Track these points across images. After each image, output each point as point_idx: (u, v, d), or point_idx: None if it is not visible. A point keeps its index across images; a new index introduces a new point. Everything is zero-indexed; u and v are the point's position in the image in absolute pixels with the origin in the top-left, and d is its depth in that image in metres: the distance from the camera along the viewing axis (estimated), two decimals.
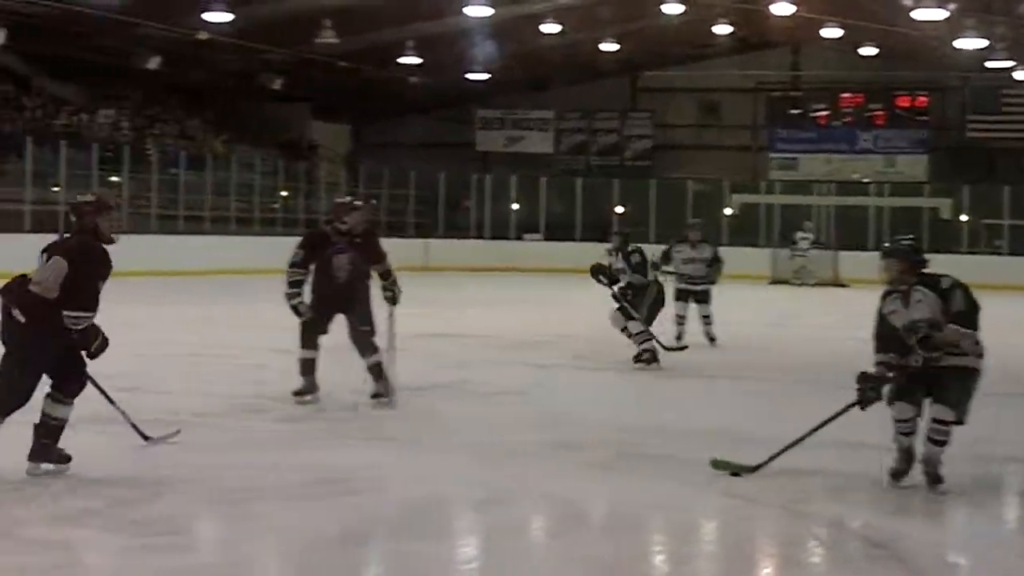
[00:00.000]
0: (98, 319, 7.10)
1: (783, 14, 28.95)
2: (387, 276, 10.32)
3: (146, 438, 8.02)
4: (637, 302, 13.28)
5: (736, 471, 7.53)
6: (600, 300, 13.33)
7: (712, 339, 15.27)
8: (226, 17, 27.36)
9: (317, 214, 30.30)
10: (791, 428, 7.84)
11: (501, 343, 15.56)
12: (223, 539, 6.46)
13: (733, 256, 15.18)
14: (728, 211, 35.97)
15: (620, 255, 13.90)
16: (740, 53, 38.32)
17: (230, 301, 20.98)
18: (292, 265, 10.19)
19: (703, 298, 15.32)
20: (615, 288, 13.39)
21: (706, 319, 15.35)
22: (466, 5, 28.11)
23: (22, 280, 7.10)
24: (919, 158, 38.24)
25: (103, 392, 7.82)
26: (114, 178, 30.34)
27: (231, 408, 9.88)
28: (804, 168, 39.20)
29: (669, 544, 6.52)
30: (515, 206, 39.14)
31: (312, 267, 10.16)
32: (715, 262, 15.37)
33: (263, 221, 33.52)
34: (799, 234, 32.96)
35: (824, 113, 39.44)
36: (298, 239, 10.51)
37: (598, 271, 13.55)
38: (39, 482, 7.03)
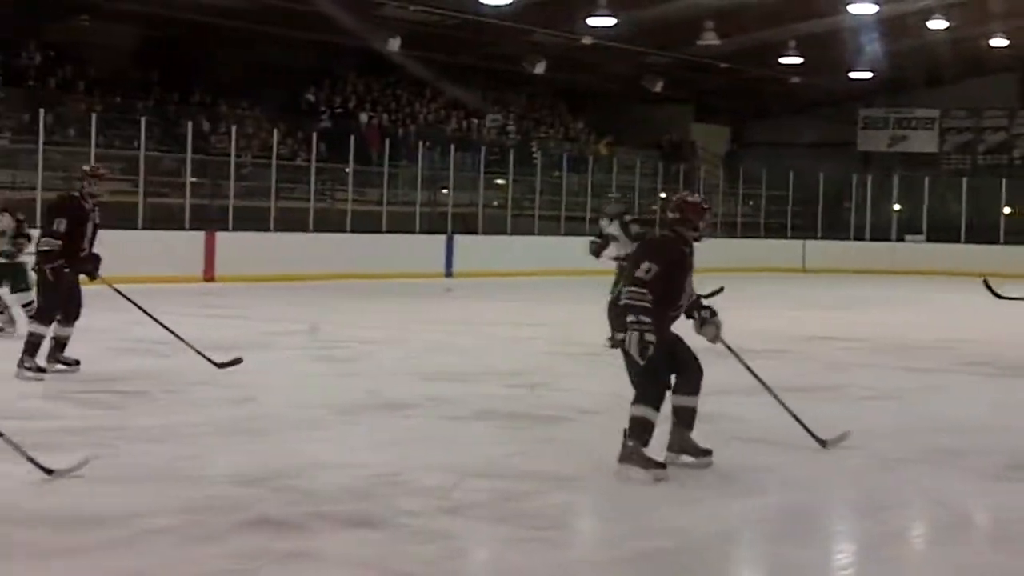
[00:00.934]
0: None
1: None
2: (699, 302, 7.78)
3: (48, 472, 6.81)
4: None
5: None
6: (981, 305, 12.87)
7: None
8: (609, 21, 27.93)
9: None
10: None
11: (877, 346, 15.29)
12: (603, 535, 6.58)
13: None
14: None
15: (619, 223, 13.55)
16: None
17: None
18: (639, 283, 7.18)
19: None
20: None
21: None
22: (850, 3, 27.77)
23: None
24: None
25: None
26: (499, 180, 31.40)
27: (615, 406, 9.99)
28: None
29: None
30: (897, 207, 38.23)
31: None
32: None
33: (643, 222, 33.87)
34: None
35: None
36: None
37: (597, 250, 13.26)
38: (424, 475, 7.25)
